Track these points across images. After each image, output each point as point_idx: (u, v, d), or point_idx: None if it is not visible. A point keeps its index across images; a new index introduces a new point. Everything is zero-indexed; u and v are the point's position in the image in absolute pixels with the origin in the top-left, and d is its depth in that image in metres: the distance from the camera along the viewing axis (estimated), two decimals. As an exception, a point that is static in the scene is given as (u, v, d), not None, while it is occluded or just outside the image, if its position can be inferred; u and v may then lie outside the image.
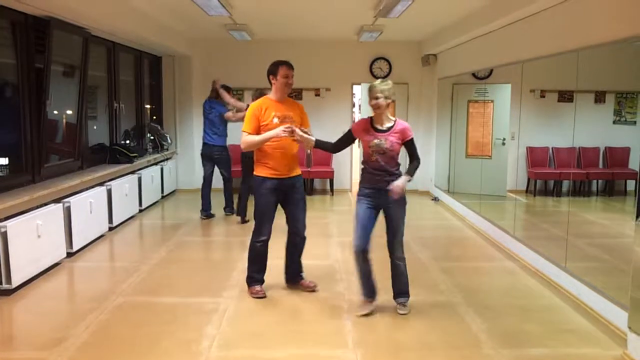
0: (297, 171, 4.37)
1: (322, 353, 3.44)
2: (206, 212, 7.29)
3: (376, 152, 3.91)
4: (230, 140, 7.32)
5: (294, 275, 4.54)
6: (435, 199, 9.03)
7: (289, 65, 4.27)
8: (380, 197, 3.95)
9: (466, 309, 4.15)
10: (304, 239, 4.44)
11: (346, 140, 4.14)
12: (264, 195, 4.23)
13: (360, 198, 4.03)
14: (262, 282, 4.40)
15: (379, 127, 3.95)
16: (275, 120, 4.16)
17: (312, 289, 4.45)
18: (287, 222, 4.42)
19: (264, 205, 4.26)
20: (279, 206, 4.35)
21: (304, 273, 4.57)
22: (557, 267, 4.74)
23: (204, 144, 7.20)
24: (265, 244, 4.31)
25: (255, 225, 4.30)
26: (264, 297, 4.29)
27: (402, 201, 3.99)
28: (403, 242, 4.10)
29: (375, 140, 3.90)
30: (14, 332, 3.83)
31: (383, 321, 3.94)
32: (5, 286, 4.29)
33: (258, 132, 4.17)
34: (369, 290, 4.07)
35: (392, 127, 3.95)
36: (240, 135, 4.22)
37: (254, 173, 4.29)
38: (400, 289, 4.11)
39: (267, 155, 4.20)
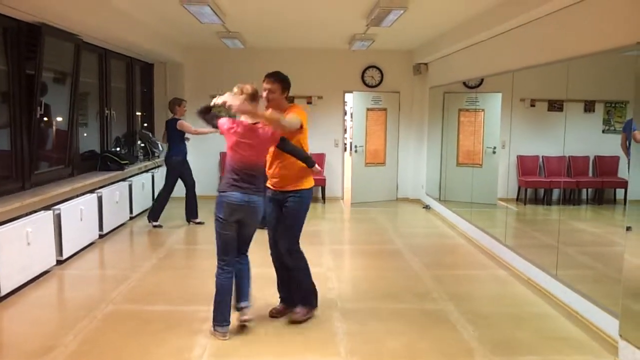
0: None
1: (315, 361, 3.44)
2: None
3: None
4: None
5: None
6: (427, 207, 9.05)
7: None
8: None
9: (458, 317, 4.16)
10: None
11: None
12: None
13: None
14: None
15: None
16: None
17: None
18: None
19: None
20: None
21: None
22: (548, 275, 4.76)
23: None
24: None
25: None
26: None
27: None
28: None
29: None
30: (2, 341, 3.78)
31: (375, 329, 3.93)
32: (-7, 294, 4.25)
33: None
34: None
35: None
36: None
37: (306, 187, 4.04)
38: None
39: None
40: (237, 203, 3.66)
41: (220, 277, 3.74)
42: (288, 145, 3.87)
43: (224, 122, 3.81)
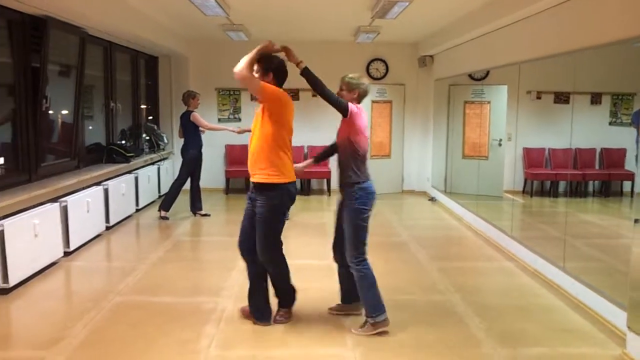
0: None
1: (321, 352, 3.44)
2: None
3: None
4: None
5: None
6: (432, 199, 9.04)
7: None
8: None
9: (465, 309, 4.15)
10: None
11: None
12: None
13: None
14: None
15: None
16: None
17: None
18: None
19: None
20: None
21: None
22: (555, 267, 4.75)
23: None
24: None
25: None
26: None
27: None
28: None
29: None
30: (11, 331, 3.79)
31: (382, 321, 3.93)
32: (2, 285, 4.27)
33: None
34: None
35: None
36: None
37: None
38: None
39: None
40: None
41: (369, 268, 3.80)
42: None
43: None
